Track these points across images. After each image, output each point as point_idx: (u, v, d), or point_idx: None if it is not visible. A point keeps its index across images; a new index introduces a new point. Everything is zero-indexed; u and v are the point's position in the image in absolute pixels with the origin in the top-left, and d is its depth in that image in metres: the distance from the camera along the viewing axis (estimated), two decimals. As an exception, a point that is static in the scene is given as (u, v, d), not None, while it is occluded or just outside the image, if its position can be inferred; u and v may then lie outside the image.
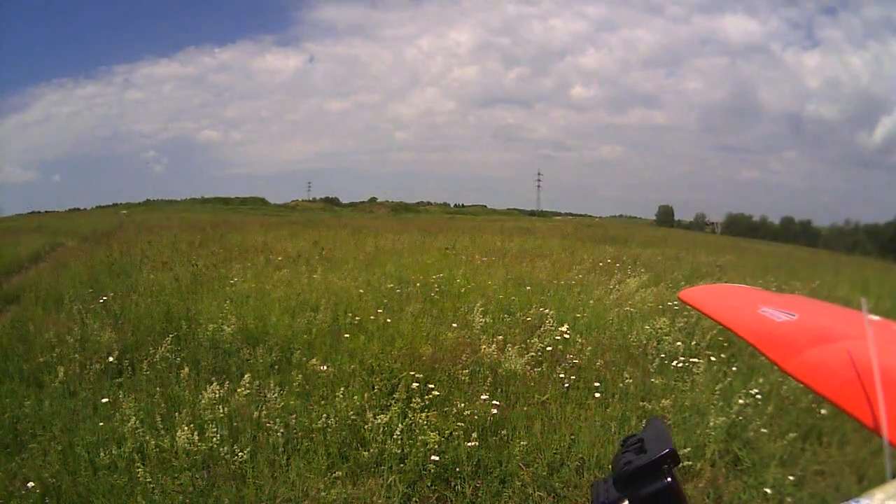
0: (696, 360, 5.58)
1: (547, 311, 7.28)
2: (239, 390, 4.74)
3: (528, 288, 9.04)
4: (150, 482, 3.74)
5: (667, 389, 5.19)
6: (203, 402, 4.68)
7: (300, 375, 5.21)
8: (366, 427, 4.31)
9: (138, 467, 3.87)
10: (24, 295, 9.89)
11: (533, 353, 5.85)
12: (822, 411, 4.68)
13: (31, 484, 3.75)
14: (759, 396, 4.90)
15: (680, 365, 5.64)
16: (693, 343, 6.38)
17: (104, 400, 4.90)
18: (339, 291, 8.50)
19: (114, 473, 3.95)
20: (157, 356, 5.85)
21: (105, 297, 8.17)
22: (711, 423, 4.42)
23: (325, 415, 4.44)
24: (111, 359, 5.88)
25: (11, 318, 8.22)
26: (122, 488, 3.77)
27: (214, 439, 4.17)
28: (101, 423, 4.54)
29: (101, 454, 4.14)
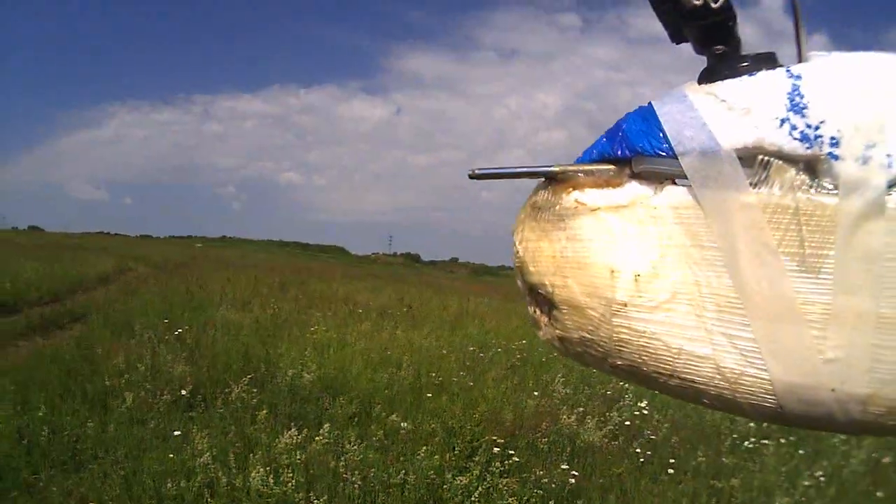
0: (766, 441, 6.70)
1: (626, 385, 8.34)
2: (317, 438, 5.54)
3: None
4: (217, 518, 4.51)
5: (737, 469, 6.16)
6: (280, 445, 5.49)
7: (380, 430, 6.15)
8: (444, 487, 5.08)
9: (207, 502, 4.63)
10: (90, 315, 11.60)
11: (611, 427, 6.92)
12: (879, 494, 5.60)
13: (90, 504, 4.65)
14: (822, 479, 5.80)
15: (751, 446, 6.72)
16: (765, 425, 7.12)
17: (176, 432, 5.77)
18: (421, 350, 9.85)
19: (180, 504, 4.77)
20: (233, 395, 6.84)
21: (180, 330, 9.53)
22: None
23: (403, 471, 5.17)
24: (184, 392, 6.88)
25: (77, 336, 9.77)
26: (188, 521, 4.56)
27: (290, 484, 4.87)
28: (171, 455, 5.32)
29: (169, 485, 4.84)
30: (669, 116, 0.79)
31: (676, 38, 0.84)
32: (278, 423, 6.19)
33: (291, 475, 4.93)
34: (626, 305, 0.81)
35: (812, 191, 0.74)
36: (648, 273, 0.80)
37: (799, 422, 0.82)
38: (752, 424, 7.12)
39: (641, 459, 6.18)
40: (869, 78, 0.75)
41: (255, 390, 7.03)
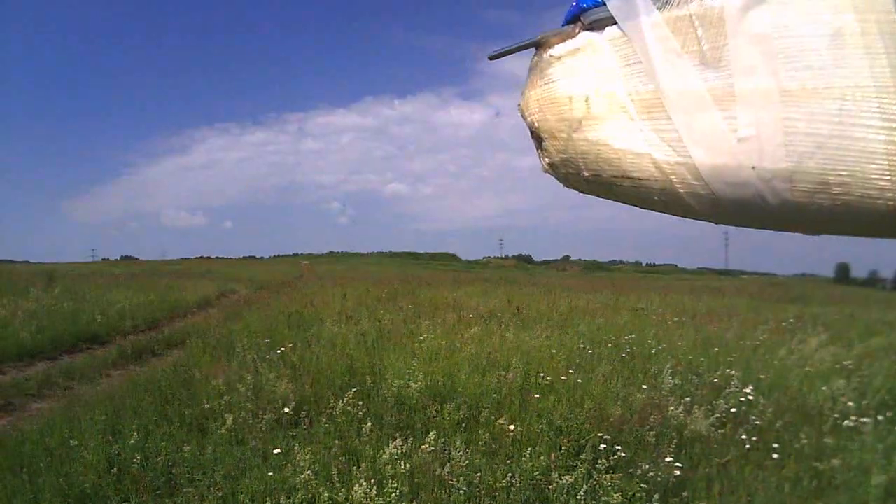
0: (865, 419, 7.56)
1: (733, 372, 9.70)
2: (423, 447, 6.04)
3: (716, 349, 11.98)
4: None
5: (837, 449, 6.87)
6: (384, 457, 5.88)
7: (487, 434, 6.73)
8: (550, 487, 5.56)
9: None
10: (189, 340, 12.64)
11: (718, 415, 7.66)
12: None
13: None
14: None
15: (851, 424, 7.53)
16: (864, 402, 8.55)
17: (276, 451, 6.21)
18: (530, 351, 10.86)
19: (279, 523, 5.08)
20: (338, 409, 7.30)
21: (283, 349, 10.23)
22: (873, 482, 5.90)
23: (510, 473, 5.69)
24: (286, 410, 7.40)
25: (174, 362, 10.64)
26: (287, 538, 4.85)
27: (393, 494, 5.19)
28: (271, 474, 5.74)
29: (267, 503, 5.24)
30: None
31: None
32: (384, 434, 6.64)
33: (395, 485, 5.23)
34: (581, 122, 1.21)
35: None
36: (594, 93, 1.19)
37: (735, 209, 1.08)
38: (851, 403, 8.33)
39: (747, 446, 6.83)
40: None
41: (360, 403, 7.45)
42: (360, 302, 18.04)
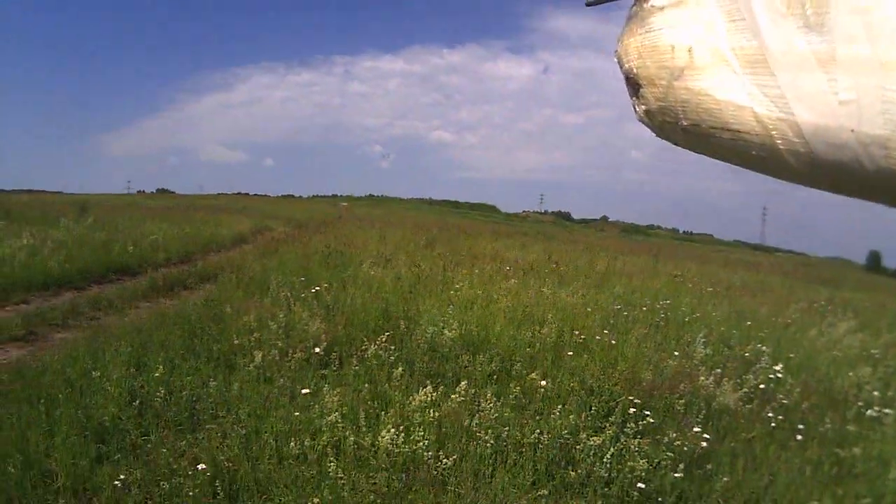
0: (888, 410, 7.86)
1: (764, 348, 9.91)
2: (453, 396, 6.18)
3: (749, 323, 12.42)
4: (341, 478, 4.77)
5: (859, 438, 7.09)
6: (413, 404, 5.92)
7: (518, 388, 6.81)
8: (577, 447, 5.68)
9: (331, 461, 4.92)
10: (221, 275, 12.89)
11: (746, 390, 7.89)
12: None
13: (201, 466, 4.89)
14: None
15: (874, 414, 7.80)
16: (889, 393, 8.77)
17: (304, 391, 6.25)
18: (566, 308, 11.25)
19: (301, 465, 5.05)
20: (370, 352, 7.32)
21: (317, 288, 10.28)
22: (891, 475, 6.11)
23: (538, 430, 5.80)
24: (318, 350, 7.43)
25: (205, 296, 10.75)
26: (308, 480, 4.84)
27: (420, 443, 5.21)
28: (297, 413, 5.78)
29: (291, 444, 5.26)
30: None
31: None
32: (414, 381, 6.68)
33: (423, 433, 5.24)
34: (683, 70, 1.24)
35: None
36: (697, 44, 1.21)
37: (832, 171, 1.09)
38: (876, 392, 8.63)
39: (773, 424, 7.08)
40: None
41: (392, 348, 7.47)
42: (398, 247, 18.19)
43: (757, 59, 1.11)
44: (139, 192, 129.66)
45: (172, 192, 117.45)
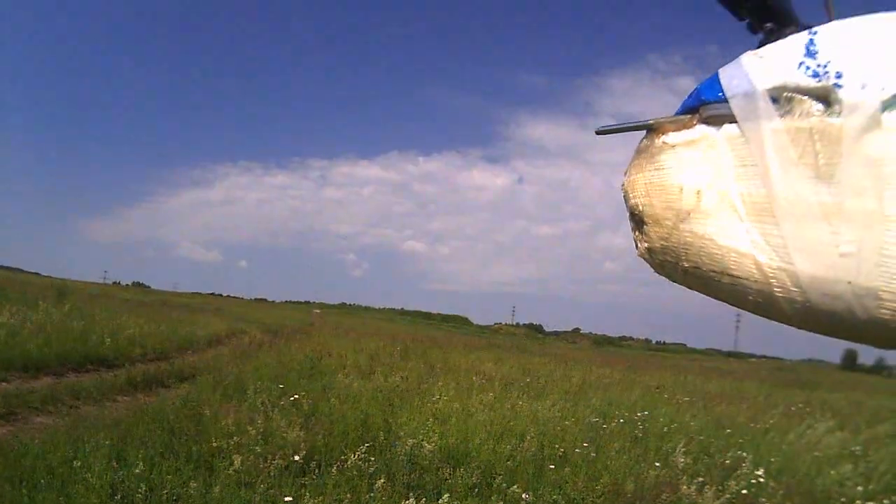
0: (871, 503, 8.47)
1: (744, 454, 10.32)
2: None
3: (728, 430, 12.81)
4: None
5: None
6: None
7: (500, 501, 6.99)
8: None
9: None
10: (199, 376, 12.97)
11: (729, 496, 8.05)
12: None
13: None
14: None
15: None
16: (871, 487, 9.26)
17: (287, 498, 6.29)
18: (544, 420, 11.46)
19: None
20: (350, 462, 7.37)
21: (296, 396, 10.40)
22: None
23: None
24: (297, 457, 7.42)
25: (183, 396, 10.76)
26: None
27: None
28: None
29: None
30: (726, 73, 1.24)
31: (752, 28, 1.32)
32: (395, 492, 6.75)
33: (408, 547, 5.31)
34: (689, 213, 1.26)
35: (824, 115, 1.10)
36: (706, 187, 1.24)
37: (825, 319, 1.15)
38: (859, 487, 9.18)
39: None
40: (867, 30, 1.11)
41: (372, 459, 7.57)
42: (374, 357, 18.42)
43: (763, 207, 1.15)
44: (115, 283, 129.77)
45: (148, 287, 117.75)
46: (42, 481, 5.97)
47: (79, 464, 6.42)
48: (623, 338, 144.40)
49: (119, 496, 5.94)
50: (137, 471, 6.39)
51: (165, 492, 6.21)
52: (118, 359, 14.96)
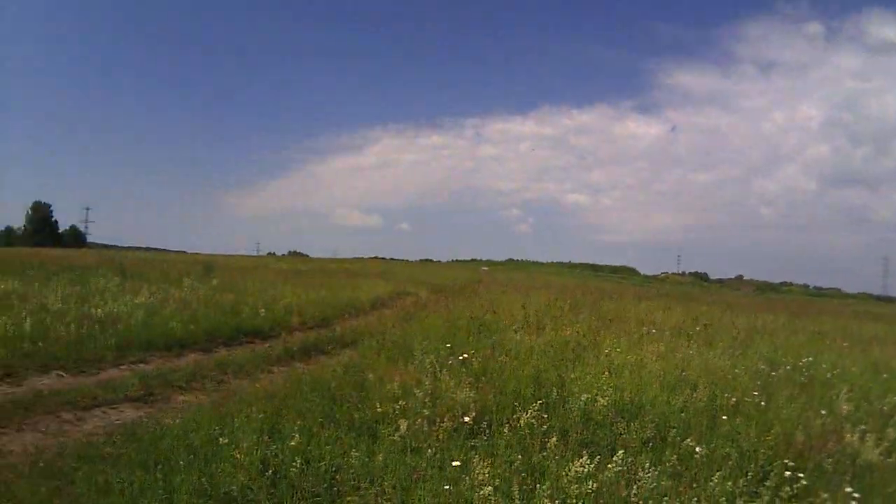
0: None
1: None
2: (609, 466, 6.24)
3: (885, 375, 13.01)
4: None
5: None
6: (569, 474, 5.89)
7: (674, 455, 7.01)
8: None
9: None
10: (362, 340, 13.21)
11: (887, 443, 8.12)
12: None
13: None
14: None
15: None
16: None
17: (455, 463, 6.19)
18: (714, 369, 11.64)
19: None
20: (522, 421, 7.27)
21: (465, 355, 10.29)
22: None
23: (695, 498, 6.01)
24: (466, 419, 7.43)
25: (345, 362, 10.89)
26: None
27: None
28: (447, 487, 5.72)
29: None
30: None
31: None
32: (569, 450, 6.67)
33: (580, 505, 5.13)
34: None
35: None
36: None
37: None
38: None
39: None
40: None
41: (544, 416, 7.44)
42: (544, 311, 18.16)
43: None
44: (269, 254, 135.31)
45: (305, 255, 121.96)
46: (181, 462, 6.03)
47: (225, 441, 6.48)
48: (784, 283, 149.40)
49: (270, 471, 5.93)
50: (293, 443, 6.40)
51: (323, 464, 6.18)
52: (274, 329, 15.49)
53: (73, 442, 7.21)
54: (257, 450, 6.28)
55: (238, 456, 6.09)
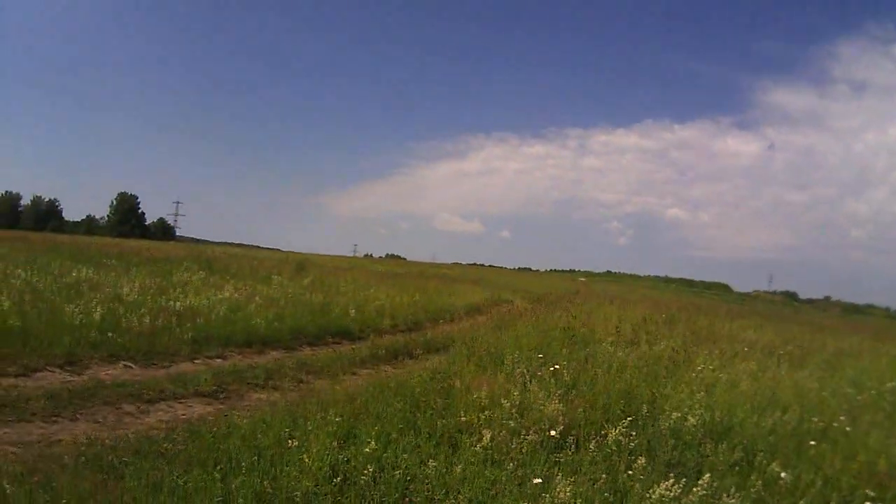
0: None
1: None
2: (695, 489, 6.02)
3: None
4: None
5: None
6: (653, 496, 5.73)
7: (759, 480, 6.89)
8: None
9: None
10: (452, 346, 13.17)
11: None
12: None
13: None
14: None
15: None
16: None
17: (536, 480, 5.97)
18: (803, 391, 11.73)
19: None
20: (610, 438, 7.06)
21: (556, 366, 10.10)
22: None
23: None
24: (553, 432, 7.21)
25: (433, 367, 10.66)
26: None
27: None
28: None
29: None
30: None
31: None
32: (655, 470, 6.65)
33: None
34: None
35: None
36: None
37: None
38: None
39: None
40: None
41: (633, 433, 7.16)
42: (638, 325, 17.96)
43: None
44: (367, 255, 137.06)
45: (403, 258, 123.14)
46: (243, 463, 5.89)
47: (295, 443, 6.34)
48: (869, 306, 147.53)
49: (340, 477, 5.75)
50: (368, 449, 6.20)
51: (398, 472, 5.98)
52: (363, 331, 15.50)
53: (130, 435, 7.13)
54: (328, 454, 6.10)
55: (306, 460, 5.92)
